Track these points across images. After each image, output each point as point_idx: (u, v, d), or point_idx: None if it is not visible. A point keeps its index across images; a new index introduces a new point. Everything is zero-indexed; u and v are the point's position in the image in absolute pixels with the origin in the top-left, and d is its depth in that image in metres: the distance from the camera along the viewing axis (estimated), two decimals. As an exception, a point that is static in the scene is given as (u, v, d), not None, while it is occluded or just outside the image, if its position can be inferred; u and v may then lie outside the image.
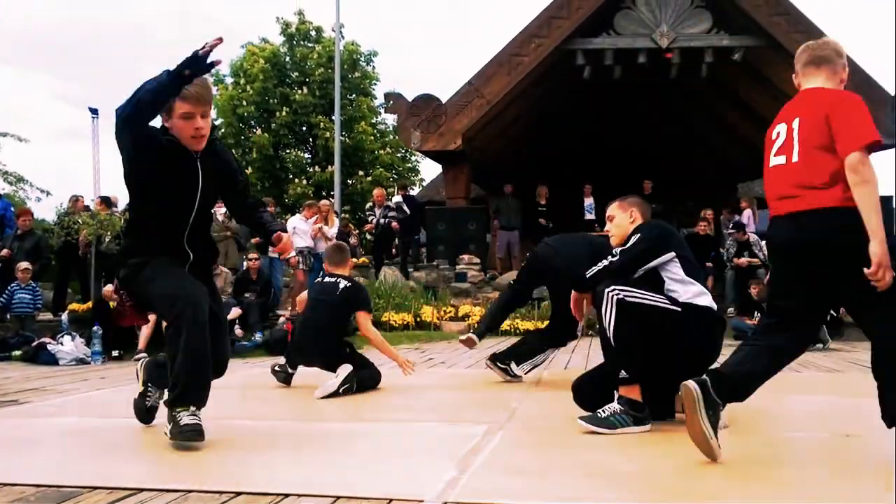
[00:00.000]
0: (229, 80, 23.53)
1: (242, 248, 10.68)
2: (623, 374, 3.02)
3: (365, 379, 4.42)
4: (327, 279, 4.70)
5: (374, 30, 56.64)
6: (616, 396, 3.04)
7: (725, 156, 16.07)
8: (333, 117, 18.80)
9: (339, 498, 2.06)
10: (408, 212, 12.14)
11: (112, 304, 7.91)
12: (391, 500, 2.03)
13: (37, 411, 3.92)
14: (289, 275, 11.09)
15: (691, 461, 2.53)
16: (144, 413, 3.23)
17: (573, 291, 3.45)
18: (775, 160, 2.59)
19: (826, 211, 2.40)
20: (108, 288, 7.71)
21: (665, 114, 15.78)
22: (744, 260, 10.28)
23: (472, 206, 13.00)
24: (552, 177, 13.98)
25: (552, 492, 2.15)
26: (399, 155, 24.94)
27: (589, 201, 13.81)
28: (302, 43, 23.98)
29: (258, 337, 8.36)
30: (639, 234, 3.20)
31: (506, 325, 9.61)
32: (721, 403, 2.46)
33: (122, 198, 10.50)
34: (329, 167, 21.15)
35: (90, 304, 8.77)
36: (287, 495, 2.09)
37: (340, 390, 4.18)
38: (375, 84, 24.66)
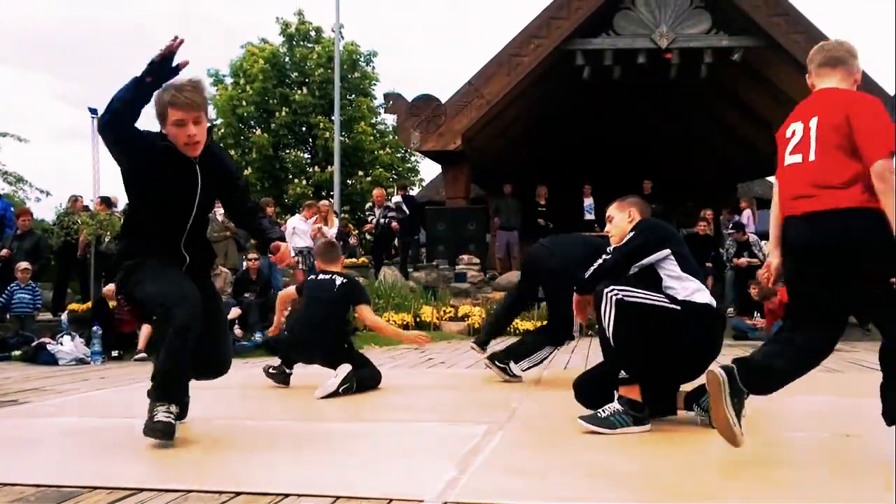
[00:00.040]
0: (229, 81, 23.53)
1: (242, 249, 10.68)
2: (623, 374, 3.03)
3: (365, 379, 4.42)
4: (322, 276, 4.70)
5: (373, 30, 56.60)
6: (616, 396, 3.04)
7: (725, 156, 16.07)
8: (333, 117, 18.79)
9: (338, 498, 2.06)
10: (407, 212, 12.15)
11: (111, 303, 7.93)
12: (391, 500, 2.03)
13: (36, 411, 3.92)
14: (289, 275, 11.08)
15: (691, 461, 2.53)
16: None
17: (575, 294, 3.44)
18: (791, 159, 2.57)
19: (844, 211, 2.39)
20: (110, 287, 7.72)
21: (664, 114, 15.78)
22: (743, 260, 10.28)
23: (472, 207, 12.99)
24: (552, 177, 13.98)
25: (552, 492, 2.15)
26: (399, 155, 24.93)
27: (588, 201, 13.81)
28: (301, 43, 23.97)
29: (258, 337, 8.36)
30: (634, 232, 3.21)
31: (505, 325, 9.63)
32: (746, 392, 2.47)
33: (122, 198, 10.50)
34: (329, 167, 21.13)
35: (90, 304, 8.77)
36: (287, 495, 2.09)
37: (340, 390, 4.18)
38: (375, 84, 24.67)
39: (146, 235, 2.97)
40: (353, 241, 13.21)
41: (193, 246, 3.04)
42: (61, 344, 7.26)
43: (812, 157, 2.49)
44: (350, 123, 22.83)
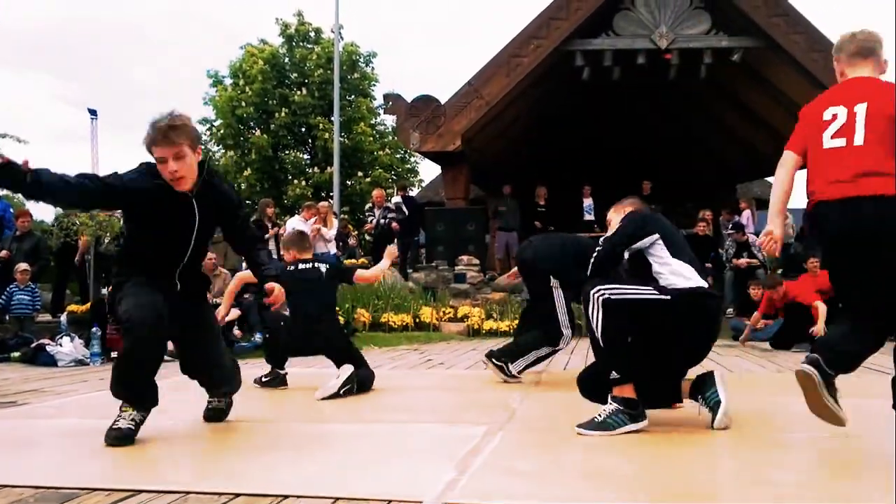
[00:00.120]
0: (228, 82, 23.54)
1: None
2: (614, 374, 3.01)
3: (363, 379, 4.42)
4: (303, 266, 4.75)
5: (373, 30, 56.73)
6: (609, 397, 3.03)
7: (724, 157, 16.07)
8: (332, 118, 18.81)
9: (338, 499, 2.06)
10: (407, 213, 12.15)
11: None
12: (390, 502, 2.03)
13: (36, 413, 3.91)
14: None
15: (691, 461, 2.53)
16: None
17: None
18: (832, 142, 2.56)
19: (884, 198, 2.40)
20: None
21: (664, 115, 15.79)
22: (743, 261, 10.29)
23: (472, 207, 12.99)
24: (551, 178, 13.98)
25: (552, 493, 2.14)
26: (398, 156, 24.95)
27: (588, 202, 13.82)
28: (301, 44, 23.98)
29: (258, 338, 8.34)
30: (622, 222, 3.25)
31: (505, 326, 9.63)
32: (834, 375, 2.51)
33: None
34: (328, 168, 21.14)
35: (89, 305, 8.76)
36: (286, 496, 2.08)
37: (341, 391, 4.17)
38: (374, 85, 24.70)
39: (141, 265, 2.99)
40: (352, 241, 13.22)
41: (187, 276, 3.07)
42: (60, 345, 7.24)
43: (859, 142, 2.49)
44: (349, 124, 22.85)
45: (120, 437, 2.80)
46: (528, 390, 4.46)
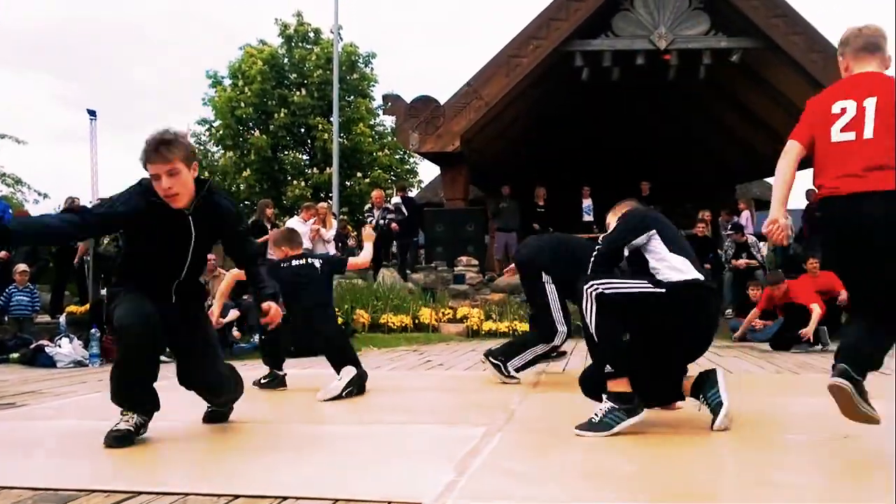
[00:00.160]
0: (227, 82, 23.55)
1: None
2: (608, 368, 3.00)
3: (362, 381, 4.41)
4: (296, 262, 4.72)
5: (372, 31, 56.72)
6: (604, 395, 3.02)
7: (723, 157, 16.08)
8: (332, 119, 18.80)
9: (338, 500, 2.05)
10: (406, 213, 12.15)
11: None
12: (390, 502, 2.03)
13: (34, 414, 3.90)
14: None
15: (691, 461, 2.53)
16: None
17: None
18: (841, 136, 2.55)
19: (892, 193, 2.39)
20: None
21: (663, 115, 15.79)
22: (742, 261, 10.29)
23: (471, 208, 12.99)
24: (550, 178, 13.97)
25: (551, 494, 2.14)
26: (397, 157, 24.95)
27: (587, 203, 13.81)
28: (300, 44, 23.99)
29: (257, 339, 8.34)
30: (618, 221, 3.27)
31: (504, 327, 9.63)
32: (862, 379, 2.51)
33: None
34: (327, 169, 21.14)
35: (88, 306, 8.76)
36: (286, 498, 2.08)
37: (344, 394, 4.16)
38: (374, 86, 24.70)
39: (138, 279, 2.99)
40: (351, 242, 13.21)
41: (183, 290, 3.07)
42: (59, 346, 7.23)
43: (869, 135, 2.48)
44: (349, 125, 22.85)
45: (119, 439, 2.80)
46: (527, 391, 4.46)
